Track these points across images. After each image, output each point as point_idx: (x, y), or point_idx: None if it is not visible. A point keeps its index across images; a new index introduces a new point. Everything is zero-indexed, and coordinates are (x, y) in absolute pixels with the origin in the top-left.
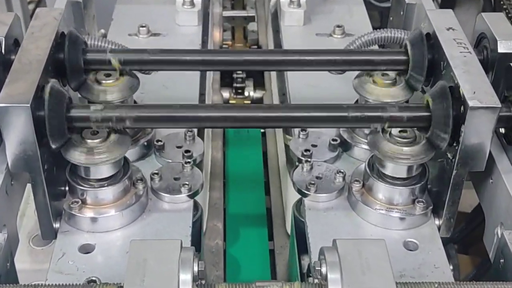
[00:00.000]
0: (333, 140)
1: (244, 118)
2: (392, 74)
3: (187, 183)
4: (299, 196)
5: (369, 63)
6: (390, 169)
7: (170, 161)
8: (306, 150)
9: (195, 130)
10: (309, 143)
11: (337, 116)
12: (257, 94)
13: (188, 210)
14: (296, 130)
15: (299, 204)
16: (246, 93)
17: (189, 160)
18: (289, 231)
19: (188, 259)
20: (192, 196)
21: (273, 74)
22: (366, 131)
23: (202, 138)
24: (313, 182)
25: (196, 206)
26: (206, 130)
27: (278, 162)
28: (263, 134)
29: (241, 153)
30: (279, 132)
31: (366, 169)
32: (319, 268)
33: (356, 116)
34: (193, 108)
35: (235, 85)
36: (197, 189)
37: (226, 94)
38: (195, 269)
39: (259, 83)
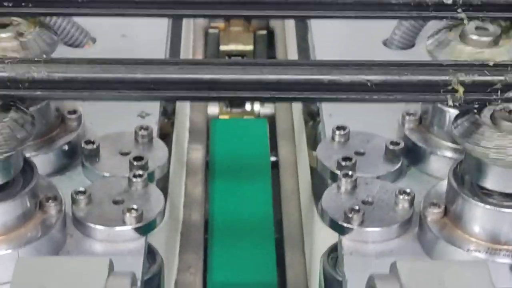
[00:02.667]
0: (393, 143)
1: (240, 83)
2: (493, 27)
3: (135, 207)
4: (333, 239)
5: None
6: (497, 179)
7: (107, 174)
8: (345, 159)
9: (154, 128)
10: (351, 148)
11: (428, 82)
12: (265, 109)
13: (136, 255)
14: (329, 129)
15: (332, 254)
16: (247, 107)
17: (140, 173)
18: None
19: None
20: (144, 230)
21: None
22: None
23: (168, 145)
24: (357, 208)
25: (152, 252)
26: (175, 130)
27: (300, 204)
28: (274, 164)
29: (235, 188)
30: (303, 154)
31: (452, 183)
32: None
33: (467, 83)
34: (147, 65)
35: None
36: (153, 219)
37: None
38: None
39: None
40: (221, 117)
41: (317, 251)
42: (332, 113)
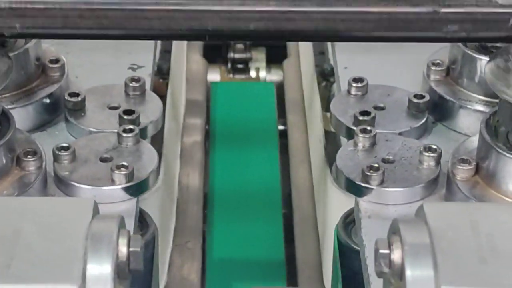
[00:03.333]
0: (417, 96)
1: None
2: None
3: (125, 164)
4: (349, 205)
5: None
6: None
7: (94, 130)
8: (363, 113)
9: (146, 81)
10: (369, 102)
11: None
12: (273, 76)
13: (126, 217)
14: (344, 82)
15: (348, 221)
16: (252, 74)
17: (131, 127)
18: None
19: (107, 233)
20: (135, 190)
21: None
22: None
23: (163, 100)
24: (376, 166)
25: (143, 219)
26: (170, 86)
27: (311, 173)
28: (282, 133)
29: (238, 157)
30: (314, 121)
31: (484, 136)
32: (388, 253)
33: None
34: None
35: (232, 55)
36: (145, 178)
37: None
38: (122, 252)
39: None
40: None
41: (331, 221)
42: (348, 66)
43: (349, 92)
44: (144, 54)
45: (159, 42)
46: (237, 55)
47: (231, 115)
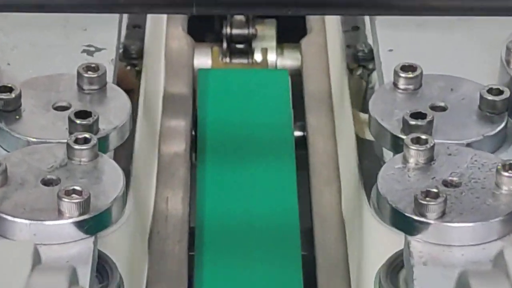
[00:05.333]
0: (493, 92)
1: None
2: None
3: (77, 189)
4: (395, 245)
5: None
6: None
7: (33, 140)
8: (416, 116)
9: (108, 69)
10: (424, 100)
11: None
12: (286, 60)
13: (80, 265)
14: (389, 71)
15: (393, 267)
16: (257, 57)
17: (86, 136)
18: None
19: None
20: (92, 227)
21: None
22: None
23: (131, 96)
24: (435, 191)
25: (104, 268)
26: (144, 76)
27: (341, 197)
28: (300, 140)
29: (238, 175)
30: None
31: None
32: None
33: None
34: None
35: (228, 31)
36: (107, 207)
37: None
38: None
39: (289, 35)
40: None
41: (370, 267)
42: (394, 47)
43: (395, 85)
44: (104, 30)
45: (125, 14)
46: (235, 31)
47: (227, 115)
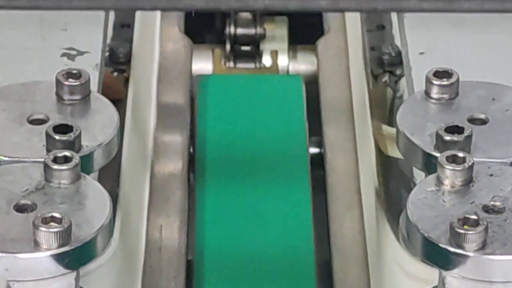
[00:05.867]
0: None
1: None
2: None
3: (56, 216)
4: (424, 283)
5: None
6: None
7: (4, 158)
8: (453, 130)
9: (92, 76)
10: (462, 111)
11: None
12: (300, 64)
13: None
14: (420, 78)
15: None
16: (265, 61)
17: (67, 155)
18: None
19: None
20: (74, 260)
21: None
22: None
23: (119, 107)
24: (474, 219)
25: None
26: (132, 84)
27: (365, 230)
28: (316, 158)
29: (244, 199)
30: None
31: None
32: None
33: None
34: None
35: (232, 30)
36: (91, 238)
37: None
38: None
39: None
40: None
41: None
42: (426, 50)
43: (428, 93)
44: (87, 30)
45: (112, 11)
46: (240, 30)
47: (231, 129)
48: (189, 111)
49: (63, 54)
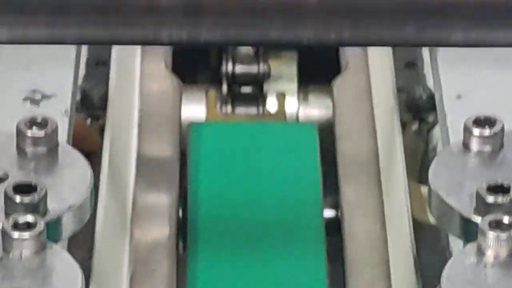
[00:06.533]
0: None
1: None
2: None
3: None
4: None
5: None
6: None
7: None
8: (496, 189)
9: (61, 125)
10: (508, 165)
11: None
12: (312, 108)
13: None
14: (457, 126)
15: None
16: (270, 105)
17: (30, 221)
18: None
19: None
20: None
21: None
22: None
23: (93, 161)
24: None
25: None
26: (108, 134)
27: None
28: (333, 222)
29: (245, 271)
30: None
31: None
32: None
33: None
34: None
35: (230, 68)
36: None
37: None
38: None
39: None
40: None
41: None
42: (464, 92)
43: (466, 145)
44: (55, 69)
45: (85, 46)
46: (240, 68)
47: (229, 187)
48: (178, 166)
49: (26, 98)
